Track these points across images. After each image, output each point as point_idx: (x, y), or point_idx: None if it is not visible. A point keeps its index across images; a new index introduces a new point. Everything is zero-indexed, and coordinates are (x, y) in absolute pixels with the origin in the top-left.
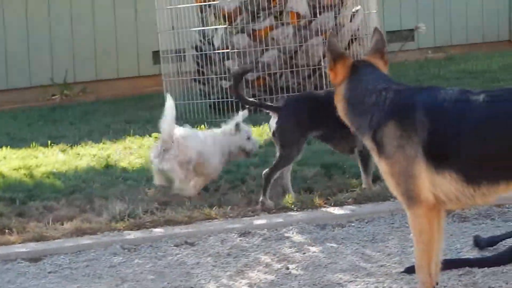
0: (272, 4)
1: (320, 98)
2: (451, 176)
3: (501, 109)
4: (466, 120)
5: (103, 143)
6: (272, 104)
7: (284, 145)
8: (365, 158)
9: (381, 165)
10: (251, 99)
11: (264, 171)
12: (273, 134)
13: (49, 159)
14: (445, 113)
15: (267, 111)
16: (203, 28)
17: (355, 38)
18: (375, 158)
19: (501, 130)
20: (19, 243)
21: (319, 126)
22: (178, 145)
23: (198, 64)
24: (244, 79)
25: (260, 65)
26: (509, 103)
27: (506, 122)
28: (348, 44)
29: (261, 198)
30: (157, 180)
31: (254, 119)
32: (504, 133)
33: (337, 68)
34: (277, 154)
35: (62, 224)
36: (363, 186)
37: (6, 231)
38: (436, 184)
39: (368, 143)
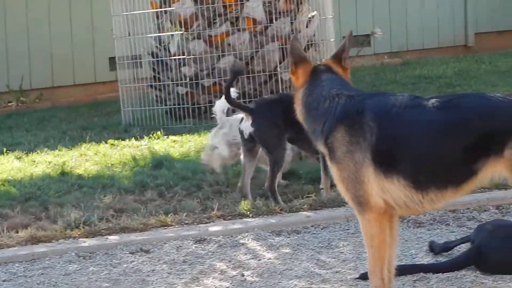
0: (228, 10)
1: (291, 100)
2: (399, 181)
3: (449, 116)
4: (414, 126)
5: (59, 150)
6: (248, 105)
7: (269, 149)
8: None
9: (332, 171)
10: (233, 99)
11: (266, 185)
12: (250, 136)
13: (4, 167)
14: (394, 119)
15: (242, 112)
16: (159, 34)
17: (311, 44)
18: (328, 163)
19: (448, 136)
20: None
21: (291, 128)
22: (230, 126)
23: (154, 70)
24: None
25: (216, 71)
26: (457, 110)
27: (453, 129)
28: (304, 49)
29: (278, 207)
30: (205, 157)
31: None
32: (451, 139)
33: (299, 72)
34: (268, 160)
35: (17, 232)
36: (321, 186)
37: None
38: (385, 190)
39: (321, 148)
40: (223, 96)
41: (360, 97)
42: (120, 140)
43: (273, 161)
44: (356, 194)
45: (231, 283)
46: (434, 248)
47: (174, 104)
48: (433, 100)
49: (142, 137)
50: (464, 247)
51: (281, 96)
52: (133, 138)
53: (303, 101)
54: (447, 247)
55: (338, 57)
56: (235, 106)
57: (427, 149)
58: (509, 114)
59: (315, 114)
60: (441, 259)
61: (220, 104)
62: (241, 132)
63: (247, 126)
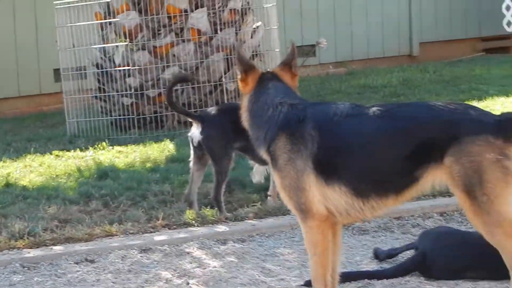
0: (173, 21)
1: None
2: (341, 189)
3: (389, 124)
4: (355, 135)
5: (3, 162)
6: (196, 114)
7: (215, 159)
8: None
9: (275, 178)
10: (179, 106)
11: (211, 195)
12: (198, 144)
13: None
14: (335, 128)
15: (191, 120)
16: (104, 45)
17: (256, 54)
18: (271, 171)
19: (388, 145)
20: None
21: (240, 137)
22: None
23: (99, 81)
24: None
25: (161, 82)
26: (397, 118)
27: (393, 137)
28: None
29: (222, 217)
30: None
31: (156, 136)
32: (391, 148)
33: (247, 79)
34: (212, 170)
35: None
36: (268, 193)
37: None
38: (327, 197)
39: (265, 156)
40: None
41: (302, 106)
42: (65, 151)
43: (218, 171)
44: (298, 201)
45: None
46: (378, 255)
47: (119, 115)
48: (374, 109)
49: (87, 148)
50: (409, 254)
51: (231, 105)
52: (78, 149)
53: (248, 108)
54: (392, 253)
55: (287, 64)
56: (183, 113)
57: (367, 157)
58: (449, 122)
59: (259, 121)
60: (386, 265)
61: None
62: (191, 140)
63: (197, 134)
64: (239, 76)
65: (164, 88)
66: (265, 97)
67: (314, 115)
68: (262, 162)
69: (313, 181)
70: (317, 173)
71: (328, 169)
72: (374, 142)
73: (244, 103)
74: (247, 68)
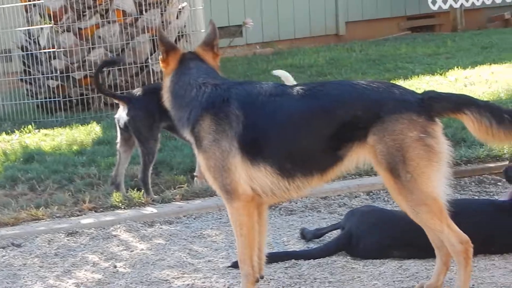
0: (97, 3)
1: None
2: (266, 169)
3: (312, 103)
4: (279, 114)
5: None
6: (123, 95)
7: (142, 141)
8: None
9: (200, 159)
10: (106, 88)
11: (139, 177)
12: (125, 126)
13: None
14: (259, 108)
15: (118, 101)
16: (28, 27)
17: (182, 35)
18: (195, 152)
19: (311, 124)
20: None
21: (167, 117)
22: None
23: (24, 64)
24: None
25: (87, 63)
26: (320, 97)
27: (316, 116)
28: (176, 41)
29: (149, 199)
30: None
31: (82, 118)
32: (314, 127)
33: (169, 60)
34: (139, 152)
35: None
36: (195, 173)
37: None
38: (253, 177)
39: (188, 137)
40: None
41: (225, 86)
42: None
43: (145, 153)
44: (224, 182)
45: (103, 275)
46: (305, 235)
47: (45, 98)
48: (297, 88)
49: (13, 131)
50: (336, 234)
51: (157, 86)
52: (3, 132)
53: (170, 88)
54: (318, 233)
55: (208, 44)
56: (110, 95)
57: (291, 137)
58: (371, 101)
59: (181, 102)
60: (313, 245)
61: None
62: (118, 122)
63: (123, 116)
64: (160, 57)
65: (90, 70)
66: (187, 77)
67: (238, 95)
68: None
69: (238, 162)
70: (242, 153)
71: (253, 149)
72: (297, 121)
73: (166, 84)
74: (168, 48)
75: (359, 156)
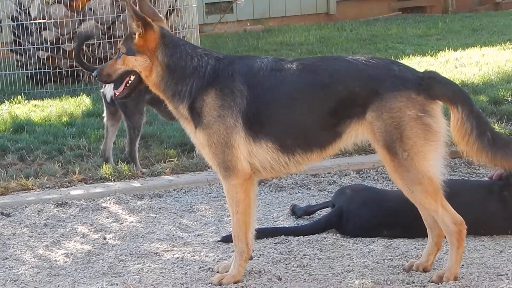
0: None
1: None
2: (267, 145)
3: (311, 79)
4: (281, 89)
5: None
6: None
7: (128, 115)
8: None
9: (198, 136)
10: (89, 64)
11: (126, 150)
12: (111, 100)
13: None
14: (262, 82)
15: None
16: None
17: (173, 10)
18: (189, 128)
19: (311, 99)
20: None
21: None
22: None
23: (14, 34)
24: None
25: (77, 35)
26: (319, 73)
27: (316, 92)
28: (166, 15)
29: (138, 172)
30: None
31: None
32: (314, 102)
33: (148, 35)
34: (125, 126)
35: None
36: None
37: None
38: (253, 154)
39: (183, 112)
40: None
41: (227, 60)
42: None
43: (131, 126)
44: (225, 159)
45: (92, 246)
46: (296, 212)
47: (35, 69)
48: (297, 63)
49: (2, 102)
50: (326, 211)
51: None
52: None
53: (164, 62)
54: (309, 210)
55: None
56: (92, 71)
57: (292, 113)
58: (370, 78)
59: (182, 73)
60: (302, 222)
61: None
62: (104, 96)
63: (109, 90)
64: (137, 33)
65: None
66: (184, 48)
67: (241, 70)
68: (170, 117)
69: (241, 138)
70: (246, 129)
71: (256, 125)
72: (298, 97)
73: (156, 59)
74: (145, 23)
75: (357, 132)
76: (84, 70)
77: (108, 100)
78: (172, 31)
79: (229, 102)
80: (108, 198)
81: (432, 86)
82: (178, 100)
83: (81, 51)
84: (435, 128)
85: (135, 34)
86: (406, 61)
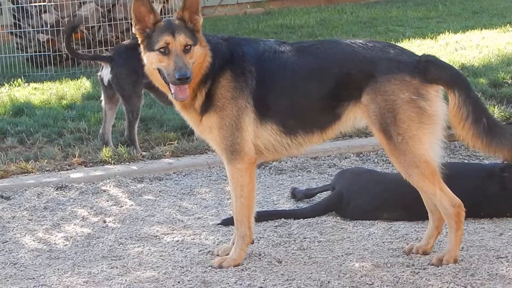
0: None
1: None
2: (272, 127)
3: (312, 61)
4: (283, 71)
5: None
6: (103, 54)
7: (125, 98)
8: None
9: (209, 118)
10: (83, 53)
11: (125, 134)
12: (109, 83)
13: None
14: (267, 64)
15: (100, 62)
16: None
17: None
18: (193, 115)
19: (312, 81)
20: None
21: None
22: None
23: (14, 17)
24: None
25: (77, 18)
26: (319, 55)
27: (316, 74)
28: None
29: (138, 155)
30: None
31: (72, 73)
32: (314, 84)
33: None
34: (123, 109)
35: None
36: None
37: None
38: (258, 135)
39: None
40: None
41: (235, 41)
42: None
43: (129, 110)
44: (234, 141)
45: (92, 229)
46: (296, 195)
47: (35, 52)
48: (297, 46)
49: (2, 85)
50: (325, 194)
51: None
52: None
53: (208, 47)
54: (309, 193)
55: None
56: (90, 59)
57: (294, 94)
58: (365, 60)
59: (215, 55)
60: (302, 205)
61: None
62: (101, 80)
63: (106, 73)
64: (201, 20)
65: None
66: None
67: (248, 51)
68: (168, 102)
69: (251, 120)
70: (255, 111)
71: (263, 107)
72: (299, 79)
73: (206, 45)
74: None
75: (355, 115)
76: (86, 52)
77: (106, 83)
78: (173, 14)
79: (241, 83)
80: (108, 181)
81: (428, 69)
82: (203, 85)
83: (70, 44)
84: (430, 112)
85: (191, 22)
86: (406, 44)
